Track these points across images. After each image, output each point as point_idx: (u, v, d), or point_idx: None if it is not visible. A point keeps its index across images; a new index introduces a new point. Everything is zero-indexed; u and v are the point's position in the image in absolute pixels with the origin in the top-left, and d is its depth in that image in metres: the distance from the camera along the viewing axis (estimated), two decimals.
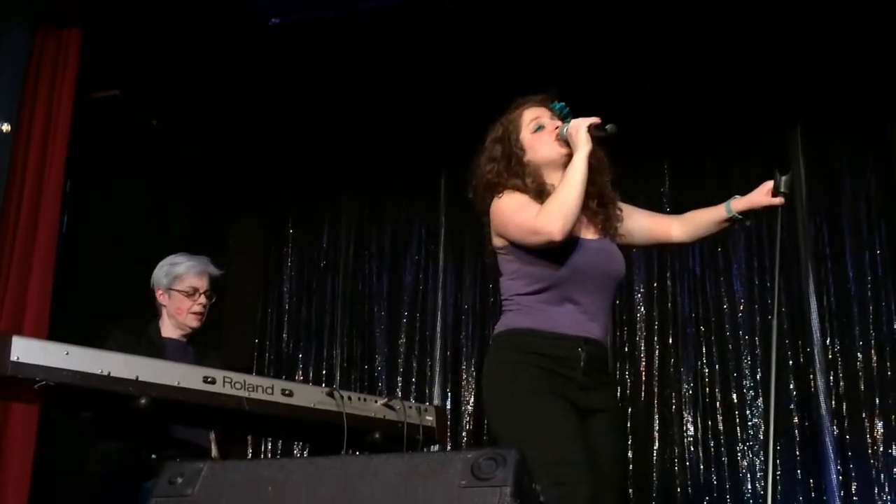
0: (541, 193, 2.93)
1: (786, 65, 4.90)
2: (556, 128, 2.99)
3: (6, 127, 4.17)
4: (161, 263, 3.90)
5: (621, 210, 3.06)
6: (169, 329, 3.84)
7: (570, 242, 2.89)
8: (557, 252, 2.87)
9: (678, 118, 5.26)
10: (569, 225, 2.80)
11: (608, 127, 2.87)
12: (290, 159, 5.88)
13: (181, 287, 3.83)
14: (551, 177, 2.97)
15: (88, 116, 4.58)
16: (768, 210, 2.96)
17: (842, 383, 4.85)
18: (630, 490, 4.97)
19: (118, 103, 4.93)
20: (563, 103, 3.07)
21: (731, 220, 3.01)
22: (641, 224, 3.11)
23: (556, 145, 2.96)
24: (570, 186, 2.82)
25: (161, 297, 3.86)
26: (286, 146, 5.73)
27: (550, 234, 2.78)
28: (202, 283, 3.86)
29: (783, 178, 2.91)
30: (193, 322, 3.83)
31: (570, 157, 2.89)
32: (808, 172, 5.19)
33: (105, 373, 2.81)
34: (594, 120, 2.89)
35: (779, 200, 2.92)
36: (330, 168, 5.96)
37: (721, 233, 3.11)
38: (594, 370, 2.87)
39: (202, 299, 3.84)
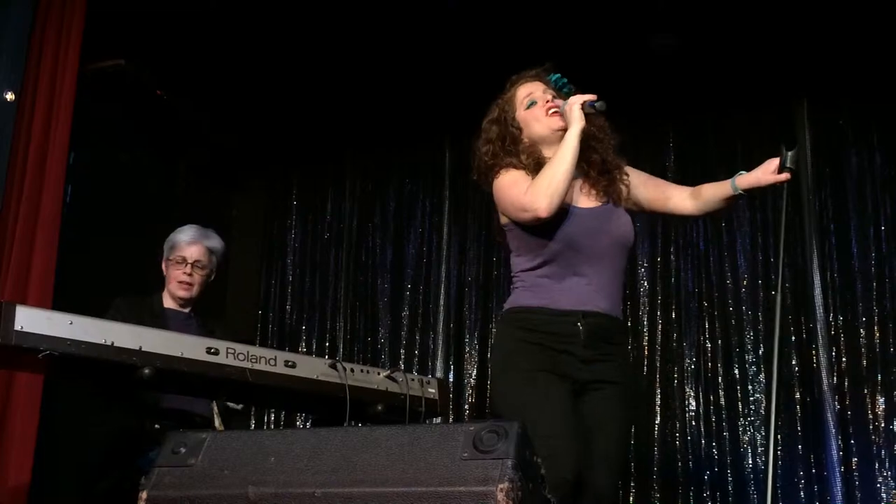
0: (538, 168, 2.93)
1: (792, 38, 4.87)
2: (548, 101, 3.01)
3: (10, 96, 4.16)
4: (172, 233, 3.94)
5: (628, 175, 3.06)
6: (168, 299, 3.86)
7: (565, 213, 2.92)
8: (552, 224, 2.90)
9: (683, 92, 5.24)
10: (555, 202, 2.83)
11: (597, 104, 2.90)
12: (294, 131, 5.86)
13: (173, 256, 3.86)
14: (549, 151, 2.98)
15: (93, 86, 4.56)
16: (774, 186, 2.95)
17: (844, 359, 4.86)
18: (631, 463, 5.00)
19: (122, 73, 4.91)
20: (558, 74, 3.08)
21: (736, 197, 3.00)
22: (651, 191, 3.11)
23: (548, 120, 2.99)
24: (558, 163, 2.86)
25: (163, 266, 3.90)
26: (291, 118, 5.71)
27: (536, 211, 2.83)
28: (192, 253, 3.86)
29: (789, 153, 2.89)
30: (180, 291, 3.84)
31: (564, 131, 2.91)
32: (814, 148, 5.17)
33: (109, 343, 2.82)
34: (590, 97, 2.91)
35: (784, 177, 2.90)
36: (334, 140, 5.94)
37: (727, 209, 3.10)
38: (598, 342, 2.88)
39: (188, 269, 3.84)
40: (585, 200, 3.01)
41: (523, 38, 4.71)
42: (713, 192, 3.03)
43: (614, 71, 4.90)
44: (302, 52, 5.14)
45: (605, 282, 2.93)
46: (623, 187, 3.03)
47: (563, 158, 2.86)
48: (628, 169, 3.10)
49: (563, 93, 3.02)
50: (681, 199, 3.08)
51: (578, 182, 3.01)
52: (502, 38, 4.83)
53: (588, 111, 2.90)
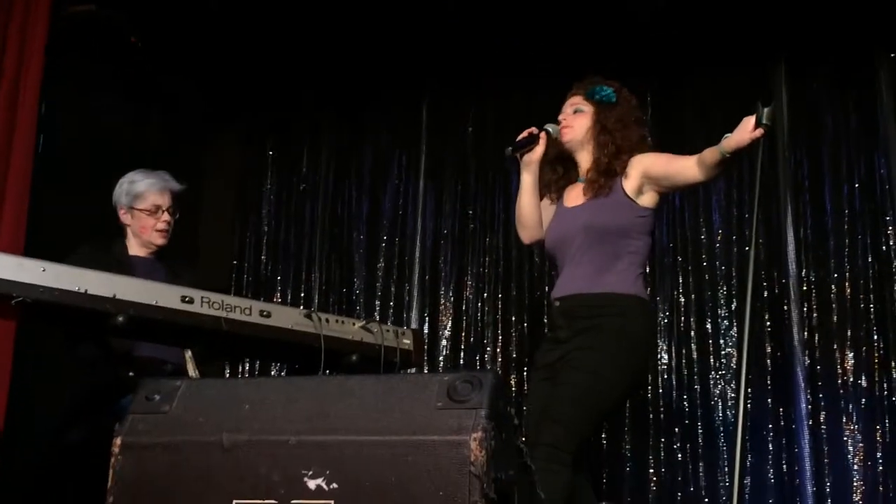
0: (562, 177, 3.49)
1: None
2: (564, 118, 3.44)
3: None
4: (120, 182, 3.88)
5: (624, 164, 3.28)
6: (135, 247, 3.83)
7: (554, 217, 3.39)
8: (548, 228, 3.41)
9: (661, 51, 5.22)
10: (524, 233, 3.43)
11: (507, 150, 3.37)
12: (270, 81, 5.80)
13: (143, 206, 3.82)
14: (578, 157, 3.43)
15: (64, 32, 4.48)
16: (753, 144, 2.98)
17: (815, 315, 4.91)
18: None
19: (94, 18, 4.83)
20: (597, 87, 3.43)
21: (727, 160, 3.06)
22: (667, 171, 3.26)
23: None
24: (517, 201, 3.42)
25: (124, 216, 3.85)
26: (266, 67, 5.65)
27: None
28: (164, 200, 3.84)
29: (765, 109, 2.93)
30: (159, 240, 3.82)
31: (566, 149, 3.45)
32: (791, 106, 5.18)
33: (82, 290, 2.79)
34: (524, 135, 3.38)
35: (760, 132, 2.94)
36: (310, 91, 5.89)
37: (723, 171, 3.23)
38: (574, 319, 3.17)
39: (165, 216, 3.83)
40: (575, 200, 3.36)
41: None
42: (709, 158, 3.13)
43: (593, 30, 4.88)
44: (278, 1, 5.07)
45: (583, 263, 3.22)
46: (616, 179, 3.28)
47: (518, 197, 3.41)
48: (649, 156, 3.30)
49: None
50: (692, 169, 3.20)
51: (580, 185, 3.38)
52: None
53: (526, 153, 3.35)
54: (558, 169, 3.49)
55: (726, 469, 4.81)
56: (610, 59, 4.54)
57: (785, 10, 4.90)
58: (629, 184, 3.27)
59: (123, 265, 3.65)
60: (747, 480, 4.75)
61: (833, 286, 4.91)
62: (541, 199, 3.45)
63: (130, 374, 3.43)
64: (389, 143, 5.86)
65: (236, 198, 6.08)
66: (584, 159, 3.41)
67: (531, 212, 3.39)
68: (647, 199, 3.29)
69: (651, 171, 3.26)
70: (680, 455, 4.93)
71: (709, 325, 5.07)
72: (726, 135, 3.04)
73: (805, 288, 4.95)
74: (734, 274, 5.08)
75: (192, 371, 3.09)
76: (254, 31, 5.31)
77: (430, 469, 1.85)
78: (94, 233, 4.10)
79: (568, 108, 3.45)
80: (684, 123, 5.25)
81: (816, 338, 4.88)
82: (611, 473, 5.00)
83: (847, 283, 4.89)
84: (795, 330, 4.89)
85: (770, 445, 4.82)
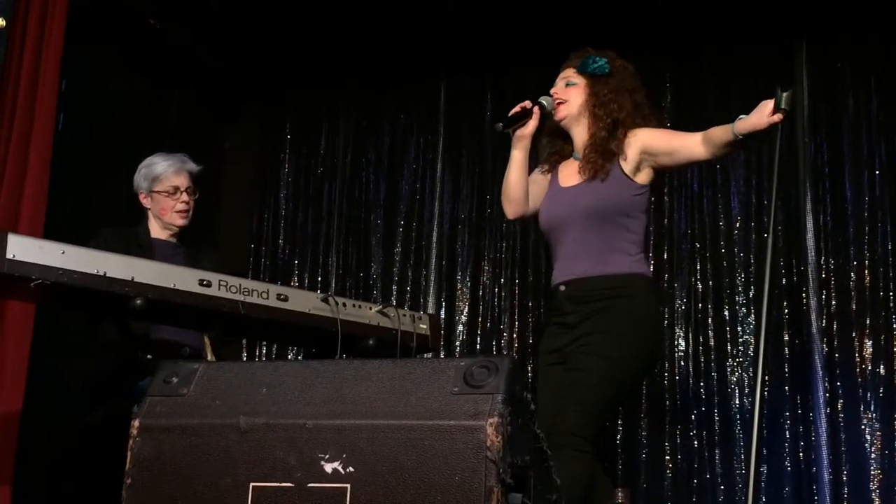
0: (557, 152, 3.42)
1: None
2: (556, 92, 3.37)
3: (1, 22, 4.10)
4: (140, 167, 3.94)
5: (621, 142, 3.22)
6: (157, 230, 3.87)
7: (552, 195, 3.33)
8: (542, 208, 3.34)
9: (681, 32, 5.19)
10: (508, 207, 3.35)
11: (497, 126, 3.32)
12: (287, 64, 5.80)
13: (162, 188, 3.86)
14: (573, 132, 3.36)
15: (85, 12, 4.49)
16: (769, 129, 2.95)
17: (833, 302, 4.88)
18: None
19: (115, 1, 4.85)
20: (588, 59, 3.35)
21: (738, 142, 3.02)
22: (668, 147, 3.21)
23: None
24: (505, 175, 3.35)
25: (144, 200, 3.90)
26: (284, 51, 5.65)
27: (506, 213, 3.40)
28: (182, 181, 3.88)
29: (784, 94, 2.90)
30: (179, 220, 3.86)
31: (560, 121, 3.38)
32: (811, 90, 5.14)
33: (101, 273, 2.81)
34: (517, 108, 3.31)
35: (778, 117, 2.91)
36: (328, 74, 5.88)
37: (733, 153, 3.18)
38: (582, 303, 3.13)
39: (184, 197, 3.87)
40: (570, 180, 3.29)
41: None
42: (719, 137, 3.07)
43: (611, 8, 4.85)
44: None
45: (583, 248, 3.18)
46: (615, 158, 3.21)
47: (507, 170, 3.33)
48: (647, 131, 3.24)
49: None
50: (696, 147, 3.16)
51: (576, 164, 3.31)
52: None
53: (519, 128, 3.27)
54: (556, 142, 3.43)
55: (742, 456, 4.80)
56: (628, 39, 4.50)
57: None
58: (627, 162, 3.21)
59: (144, 248, 3.68)
60: (764, 468, 4.74)
61: (852, 273, 4.87)
62: (531, 171, 3.39)
63: (148, 356, 3.45)
64: (407, 126, 5.85)
65: (254, 181, 6.08)
66: (580, 134, 3.33)
67: (518, 187, 3.32)
68: (644, 177, 3.23)
69: (650, 146, 3.20)
70: (696, 442, 4.92)
71: (726, 313, 5.05)
72: (741, 116, 3.01)
73: (824, 275, 4.92)
74: (752, 261, 5.05)
75: (209, 354, 3.10)
76: (273, 14, 5.30)
77: (446, 454, 1.85)
78: (113, 213, 4.13)
79: (560, 82, 3.38)
80: (705, 108, 5.21)
81: (835, 325, 4.85)
82: (627, 460, 5.00)
83: (866, 271, 4.86)
84: (814, 317, 4.86)
85: (787, 433, 4.80)
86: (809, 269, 4.92)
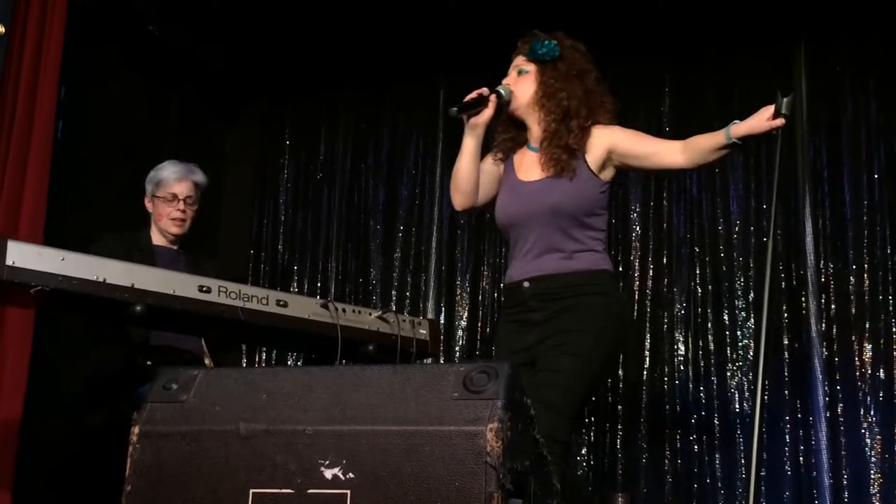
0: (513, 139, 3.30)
1: None
2: (508, 82, 3.25)
3: (0, 29, 4.10)
4: (151, 170, 3.93)
5: (578, 136, 3.13)
6: (158, 236, 3.87)
7: (509, 189, 3.21)
8: (499, 203, 3.23)
9: (681, 33, 5.20)
10: (457, 198, 3.22)
11: (451, 110, 3.16)
12: (288, 65, 5.80)
13: (161, 193, 3.87)
14: (527, 121, 3.24)
15: (85, 12, 4.49)
16: (768, 133, 2.95)
17: (833, 306, 4.88)
18: (619, 406, 5.05)
19: (114, 4, 4.85)
20: (536, 43, 3.23)
21: (731, 147, 3.00)
22: (639, 149, 3.15)
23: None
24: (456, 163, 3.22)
25: (148, 204, 3.92)
26: (283, 55, 5.65)
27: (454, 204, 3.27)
28: (182, 189, 3.88)
29: (784, 99, 2.90)
30: (173, 228, 3.86)
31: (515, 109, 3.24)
32: (810, 93, 5.14)
33: (101, 279, 2.82)
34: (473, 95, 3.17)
35: (779, 122, 2.91)
36: (327, 79, 5.88)
37: (723, 159, 3.13)
38: (549, 301, 3.06)
39: (181, 206, 3.86)
40: (529, 174, 3.19)
41: None
42: (707, 143, 3.03)
43: (611, 8, 4.85)
44: None
45: (545, 246, 3.10)
46: (576, 154, 3.11)
47: (457, 159, 3.21)
48: (615, 130, 3.17)
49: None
50: (670, 154, 3.10)
51: (535, 155, 3.19)
52: None
53: (474, 115, 3.14)
54: (510, 129, 3.30)
55: (743, 461, 4.80)
56: (627, 42, 4.53)
57: None
58: (591, 158, 3.12)
59: (145, 253, 3.69)
60: (764, 472, 4.74)
61: (852, 277, 4.87)
62: (482, 158, 3.25)
63: (148, 362, 3.45)
64: (406, 130, 5.85)
65: (254, 185, 6.09)
66: (534, 125, 3.21)
67: (469, 177, 3.19)
68: (608, 174, 3.17)
69: (619, 148, 3.12)
70: (696, 447, 4.92)
71: (726, 317, 5.05)
72: (734, 121, 2.99)
73: (823, 279, 4.92)
74: (751, 264, 5.05)
75: (208, 361, 3.10)
76: (273, 14, 5.30)
77: (445, 459, 1.86)
78: (113, 215, 4.13)
79: (513, 72, 3.26)
80: (704, 113, 5.20)
81: (834, 329, 4.85)
82: (627, 465, 4.99)
83: (866, 275, 4.85)
84: (813, 321, 4.86)
85: (787, 437, 4.80)
86: (809, 273, 4.92)
